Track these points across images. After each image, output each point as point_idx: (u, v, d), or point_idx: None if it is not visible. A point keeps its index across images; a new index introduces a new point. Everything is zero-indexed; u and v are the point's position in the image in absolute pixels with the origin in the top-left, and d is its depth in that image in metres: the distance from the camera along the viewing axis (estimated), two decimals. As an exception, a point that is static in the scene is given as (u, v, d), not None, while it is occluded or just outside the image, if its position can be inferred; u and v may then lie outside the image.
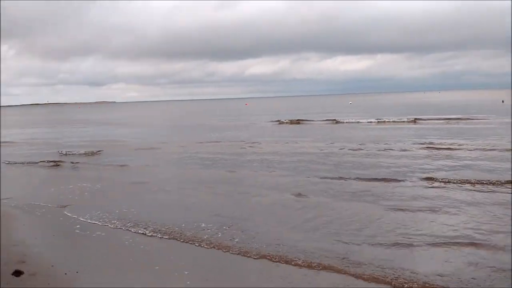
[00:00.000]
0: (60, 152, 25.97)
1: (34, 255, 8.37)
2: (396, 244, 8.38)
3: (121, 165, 20.76)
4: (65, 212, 11.82)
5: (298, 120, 50.89)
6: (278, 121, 51.71)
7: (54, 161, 22.07)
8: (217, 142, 30.56)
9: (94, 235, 9.81)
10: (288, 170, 17.58)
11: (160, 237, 9.42)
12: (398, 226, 9.56)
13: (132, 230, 9.98)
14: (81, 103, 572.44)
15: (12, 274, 7.31)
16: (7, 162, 22.99)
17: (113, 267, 7.92)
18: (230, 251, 8.37)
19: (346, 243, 8.58)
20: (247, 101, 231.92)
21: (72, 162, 22.03)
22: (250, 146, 26.82)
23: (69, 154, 25.16)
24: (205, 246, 8.71)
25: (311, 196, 12.79)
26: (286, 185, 14.59)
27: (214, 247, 8.66)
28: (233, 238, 9.12)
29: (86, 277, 7.38)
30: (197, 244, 8.83)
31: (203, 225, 10.12)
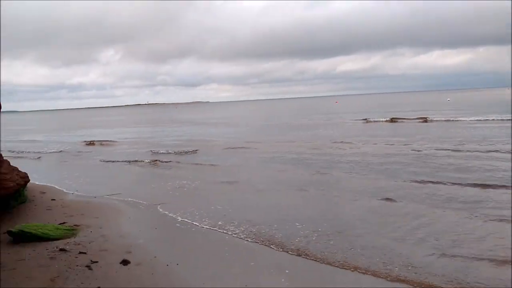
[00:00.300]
0: (153, 151, 28.08)
1: (139, 246, 9.17)
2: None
3: (213, 165, 21.66)
4: (159, 209, 12.85)
5: (392, 118, 48.74)
6: (366, 119, 50.31)
7: (153, 160, 23.80)
8: (305, 141, 30.63)
9: (192, 229, 10.55)
10: (378, 173, 17.04)
11: (253, 238, 9.75)
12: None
13: (224, 228, 10.49)
14: (177, 103, 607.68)
15: (120, 263, 8.17)
16: (111, 160, 25.16)
17: (210, 261, 8.37)
18: (332, 265, 8.00)
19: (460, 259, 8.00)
20: (338, 98, 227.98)
21: (166, 161, 23.63)
22: (339, 147, 26.34)
23: (165, 153, 27.06)
24: (302, 256, 8.53)
25: (404, 201, 12.30)
26: (378, 188, 14.17)
27: (310, 255, 8.53)
28: (332, 247, 8.88)
29: (185, 269, 7.91)
30: (291, 251, 8.80)
31: (298, 226, 10.29)
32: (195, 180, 17.35)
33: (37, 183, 17.36)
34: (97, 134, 50.08)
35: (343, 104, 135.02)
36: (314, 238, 9.45)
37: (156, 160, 23.75)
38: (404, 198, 12.60)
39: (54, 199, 13.84)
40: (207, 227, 10.73)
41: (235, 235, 9.94)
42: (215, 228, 10.56)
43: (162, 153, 27.39)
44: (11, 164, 12.96)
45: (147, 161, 23.85)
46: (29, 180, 13.67)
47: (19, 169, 13.97)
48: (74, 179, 18.70)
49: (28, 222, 10.99)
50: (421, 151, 22.38)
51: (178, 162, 23.24)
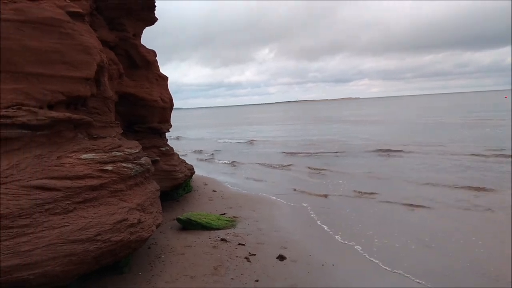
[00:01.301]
0: (301, 153, 27.89)
1: (294, 242, 9.06)
2: None
3: (358, 172, 20.56)
4: (319, 204, 12.68)
5: None
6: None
7: (309, 168, 23.59)
8: (478, 143, 26.71)
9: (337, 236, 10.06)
10: None
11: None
12: None
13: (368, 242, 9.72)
14: (326, 100, 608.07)
15: (277, 258, 8.14)
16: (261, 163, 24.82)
17: (365, 266, 7.84)
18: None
19: None
20: (507, 93, 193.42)
21: (319, 168, 23.12)
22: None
23: (312, 155, 26.69)
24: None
25: None
26: None
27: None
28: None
29: (341, 270, 7.52)
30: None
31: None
32: (340, 187, 16.65)
33: (200, 174, 19.01)
34: (252, 131, 52.73)
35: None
36: None
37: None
38: None
39: (215, 191, 14.82)
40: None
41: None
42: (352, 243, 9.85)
43: (309, 154, 27.19)
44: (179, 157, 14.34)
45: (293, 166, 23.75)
46: (194, 172, 14.92)
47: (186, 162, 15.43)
48: (232, 175, 19.83)
49: (193, 211, 11.94)
50: None
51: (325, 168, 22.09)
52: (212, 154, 29.36)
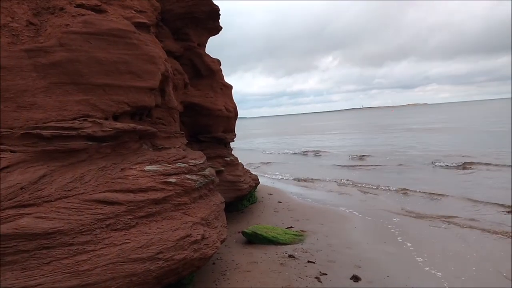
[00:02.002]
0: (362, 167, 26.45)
1: (369, 261, 8.26)
2: None
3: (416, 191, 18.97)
4: (394, 219, 11.72)
5: None
6: None
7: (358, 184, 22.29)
8: None
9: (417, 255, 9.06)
10: None
11: None
12: None
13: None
14: (393, 106, 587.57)
15: (351, 279, 7.43)
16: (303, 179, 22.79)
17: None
18: None
19: None
20: None
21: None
22: None
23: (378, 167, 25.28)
24: None
25: None
26: None
27: None
28: None
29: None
30: None
31: None
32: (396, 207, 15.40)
33: (265, 183, 18.63)
34: (309, 142, 51.70)
35: None
36: None
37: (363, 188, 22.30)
38: None
39: (280, 202, 14.31)
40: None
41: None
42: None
43: (362, 167, 25.82)
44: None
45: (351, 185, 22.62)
46: (259, 182, 14.53)
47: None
48: (295, 186, 19.21)
49: (259, 223, 11.51)
50: None
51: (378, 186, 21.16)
52: (269, 163, 28.97)
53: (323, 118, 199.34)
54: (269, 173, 23.69)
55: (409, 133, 51.27)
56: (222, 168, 11.87)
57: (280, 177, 21.85)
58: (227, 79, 14.07)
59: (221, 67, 13.59)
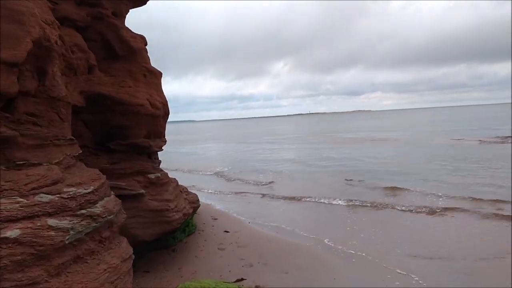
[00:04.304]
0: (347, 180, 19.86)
1: None
2: None
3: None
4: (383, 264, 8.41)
5: None
6: None
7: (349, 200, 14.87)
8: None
9: None
10: None
11: None
12: None
13: None
14: (338, 113, 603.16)
15: None
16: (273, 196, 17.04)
17: None
18: None
19: None
20: None
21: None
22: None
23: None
24: None
25: None
26: None
27: None
28: None
29: None
30: None
31: None
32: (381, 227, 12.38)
33: (208, 202, 14.88)
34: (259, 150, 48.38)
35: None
36: None
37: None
38: None
39: (227, 231, 10.66)
40: None
41: None
42: None
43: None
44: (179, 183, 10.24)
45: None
46: (199, 206, 10.82)
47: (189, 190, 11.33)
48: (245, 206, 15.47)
49: (196, 271, 7.85)
50: None
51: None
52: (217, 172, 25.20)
53: (273, 123, 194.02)
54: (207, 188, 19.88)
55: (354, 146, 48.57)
56: (142, 191, 8.06)
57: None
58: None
59: (146, 45, 9.77)
